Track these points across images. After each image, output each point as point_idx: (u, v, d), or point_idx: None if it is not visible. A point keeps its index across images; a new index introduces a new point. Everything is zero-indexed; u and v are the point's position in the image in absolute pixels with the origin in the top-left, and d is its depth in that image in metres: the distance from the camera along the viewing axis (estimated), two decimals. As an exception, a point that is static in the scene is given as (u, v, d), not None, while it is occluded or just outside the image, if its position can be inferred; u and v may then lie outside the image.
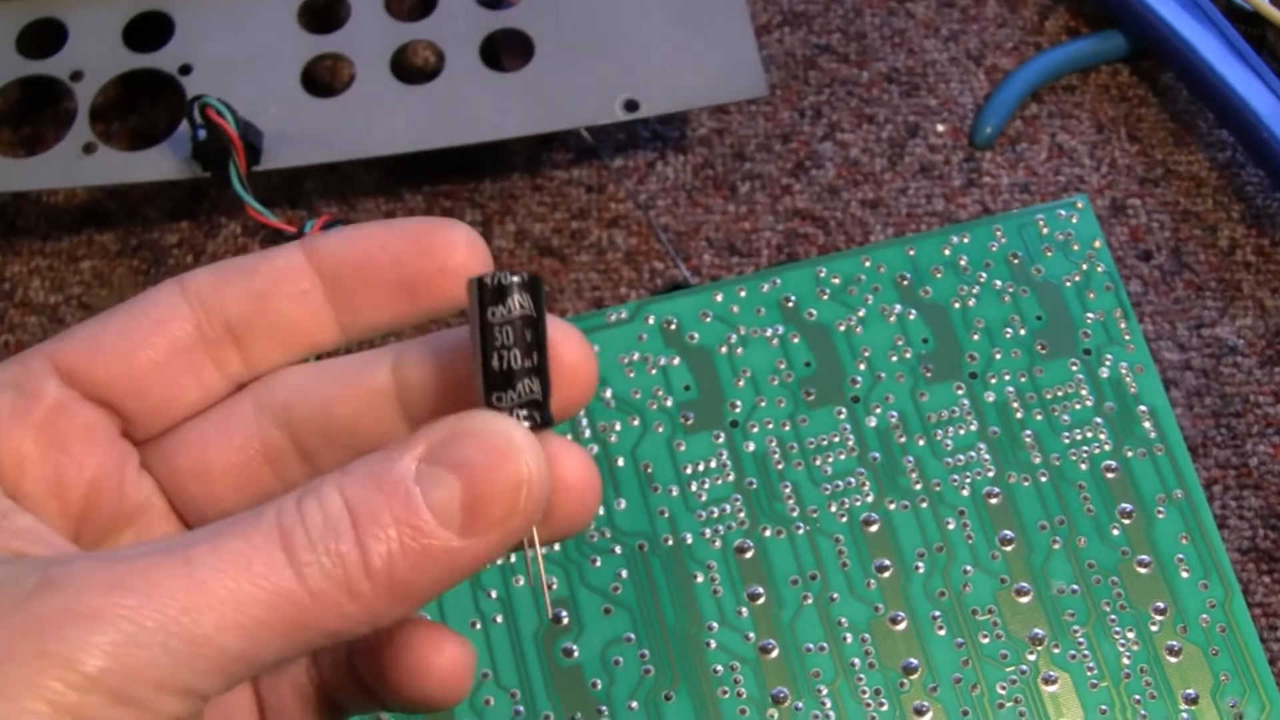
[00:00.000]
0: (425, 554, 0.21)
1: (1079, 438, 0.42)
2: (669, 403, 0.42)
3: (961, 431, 0.42)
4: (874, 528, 0.41)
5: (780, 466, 0.41)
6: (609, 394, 0.42)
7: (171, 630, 0.19)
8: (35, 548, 0.22)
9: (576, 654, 0.39)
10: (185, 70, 0.46)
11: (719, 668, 0.39)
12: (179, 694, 0.20)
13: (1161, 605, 0.40)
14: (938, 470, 0.41)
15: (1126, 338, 0.43)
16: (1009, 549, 0.40)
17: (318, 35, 0.47)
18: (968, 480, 0.41)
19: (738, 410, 0.42)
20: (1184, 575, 0.40)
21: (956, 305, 0.43)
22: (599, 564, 0.40)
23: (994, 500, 0.41)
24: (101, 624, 0.19)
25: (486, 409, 0.22)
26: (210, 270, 0.25)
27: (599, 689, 0.39)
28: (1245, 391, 0.46)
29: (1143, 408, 0.42)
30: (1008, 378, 0.43)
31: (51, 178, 0.45)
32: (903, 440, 0.42)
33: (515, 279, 0.22)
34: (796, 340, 0.43)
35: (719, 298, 0.43)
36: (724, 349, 0.43)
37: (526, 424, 0.22)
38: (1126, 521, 0.41)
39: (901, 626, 0.40)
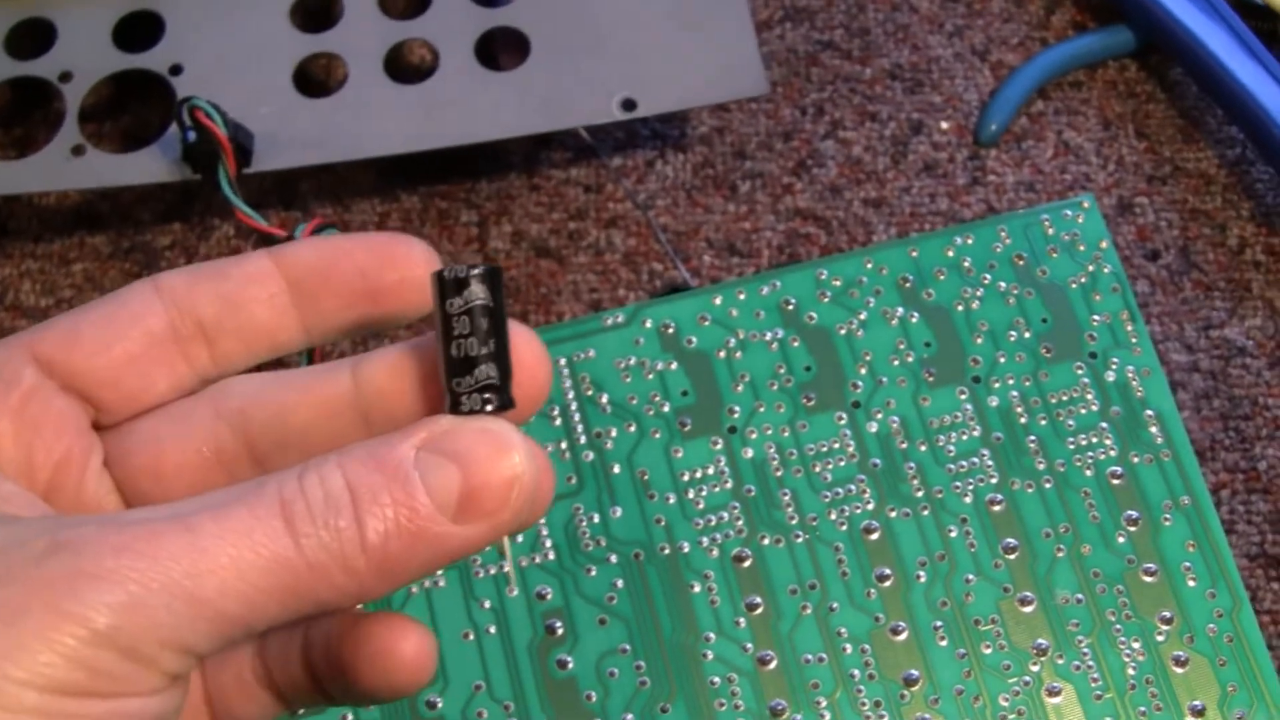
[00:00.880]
0: (419, 536, 0.22)
1: (1084, 443, 0.41)
2: (666, 408, 0.41)
3: (964, 437, 0.41)
4: (874, 536, 0.40)
5: (779, 473, 0.41)
6: (605, 399, 0.41)
7: (175, 593, 0.20)
8: (22, 511, 0.23)
9: (571, 665, 0.39)
10: (176, 70, 0.45)
11: (716, 679, 0.39)
12: (179, 652, 0.21)
13: (1168, 615, 0.39)
14: (940, 477, 0.41)
15: (1133, 340, 0.42)
16: (1012, 557, 0.40)
17: (310, 34, 0.46)
18: (970, 487, 0.40)
19: (736, 416, 0.41)
20: (1191, 584, 0.40)
21: (960, 308, 0.43)
22: (594, 573, 0.40)
23: (997, 507, 0.40)
24: (111, 585, 0.20)
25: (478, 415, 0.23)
26: (183, 272, 0.26)
27: (594, 701, 0.38)
28: (1254, 394, 0.45)
29: (1149, 412, 0.41)
30: (1012, 382, 0.42)
31: (39, 180, 0.44)
32: (904, 446, 0.41)
33: (473, 271, 0.23)
34: (796, 344, 0.42)
35: (718, 301, 0.43)
36: (722, 353, 0.42)
37: (487, 408, 0.23)
38: (1132, 529, 0.40)
39: (902, 637, 0.39)
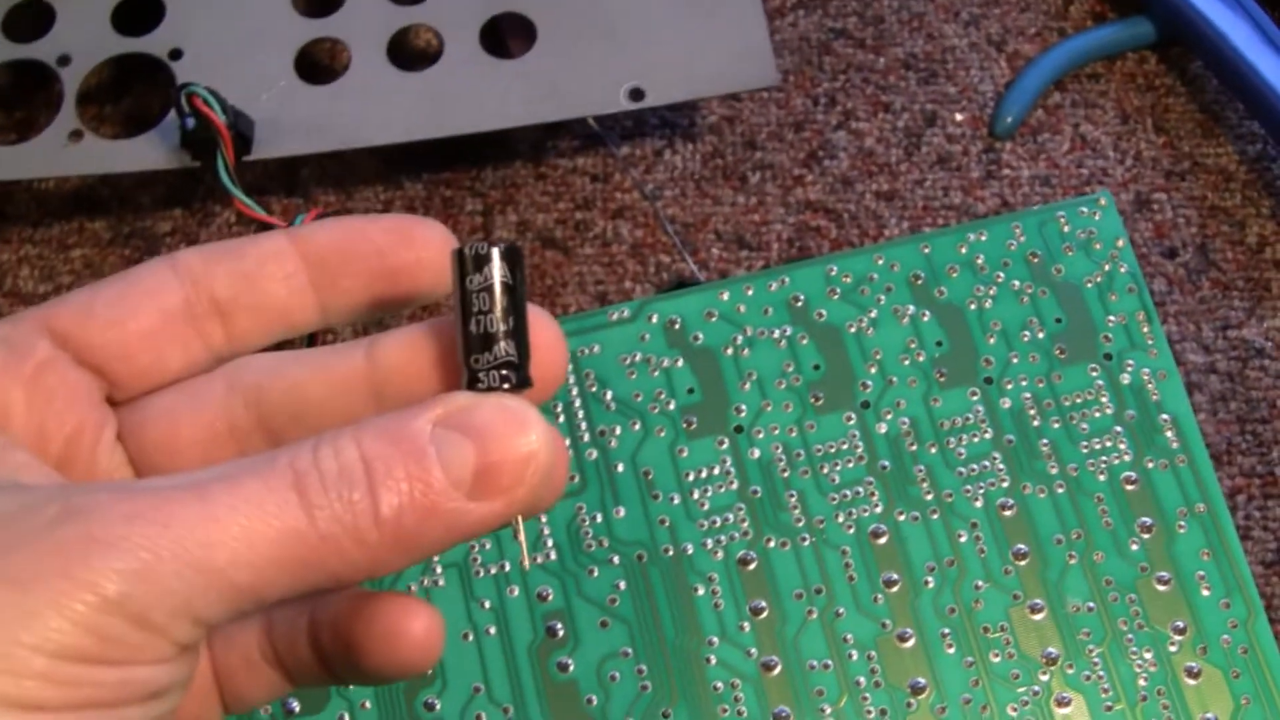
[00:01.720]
0: (433, 511, 0.22)
1: (1098, 447, 0.40)
2: (671, 406, 0.41)
3: (975, 439, 0.40)
4: (883, 540, 0.39)
5: (786, 474, 0.40)
6: (609, 396, 0.41)
7: (186, 561, 0.20)
8: (35, 480, 0.23)
9: (572, 668, 0.38)
10: (176, 55, 0.45)
11: (719, 685, 0.38)
12: (189, 621, 0.21)
13: (1181, 624, 0.38)
14: (950, 480, 0.40)
15: (1149, 342, 0.41)
16: (1023, 564, 0.39)
17: (313, 19, 0.46)
18: (981, 491, 0.40)
19: (743, 415, 0.41)
20: (1205, 593, 0.39)
21: (973, 306, 0.42)
22: (596, 575, 0.39)
23: (1008, 512, 0.39)
24: (122, 552, 0.20)
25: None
26: (200, 250, 0.26)
27: (594, 705, 0.38)
28: (1272, 396, 0.44)
29: (1165, 416, 0.40)
30: (1024, 383, 0.41)
31: (36, 166, 0.43)
32: (914, 448, 0.40)
33: (494, 249, 0.23)
34: (805, 341, 0.41)
35: (725, 296, 0.42)
36: (729, 350, 0.41)
37: (504, 385, 0.23)
38: (1146, 536, 0.39)
39: (909, 644, 0.38)
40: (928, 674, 0.38)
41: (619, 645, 0.38)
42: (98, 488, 0.21)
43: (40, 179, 0.48)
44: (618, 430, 0.40)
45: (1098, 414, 0.41)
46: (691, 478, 0.40)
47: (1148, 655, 0.38)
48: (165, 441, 0.26)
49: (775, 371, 0.41)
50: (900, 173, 0.47)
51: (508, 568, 0.39)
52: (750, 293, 0.42)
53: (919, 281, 0.42)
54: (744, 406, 0.41)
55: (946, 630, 0.38)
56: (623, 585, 0.39)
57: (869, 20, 0.50)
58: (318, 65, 0.47)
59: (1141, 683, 0.38)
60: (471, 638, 0.38)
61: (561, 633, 0.38)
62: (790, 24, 0.50)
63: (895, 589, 0.39)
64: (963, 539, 0.39)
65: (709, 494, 0.40)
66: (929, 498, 0.40)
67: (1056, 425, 0.40)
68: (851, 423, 0.41)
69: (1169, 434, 0.40)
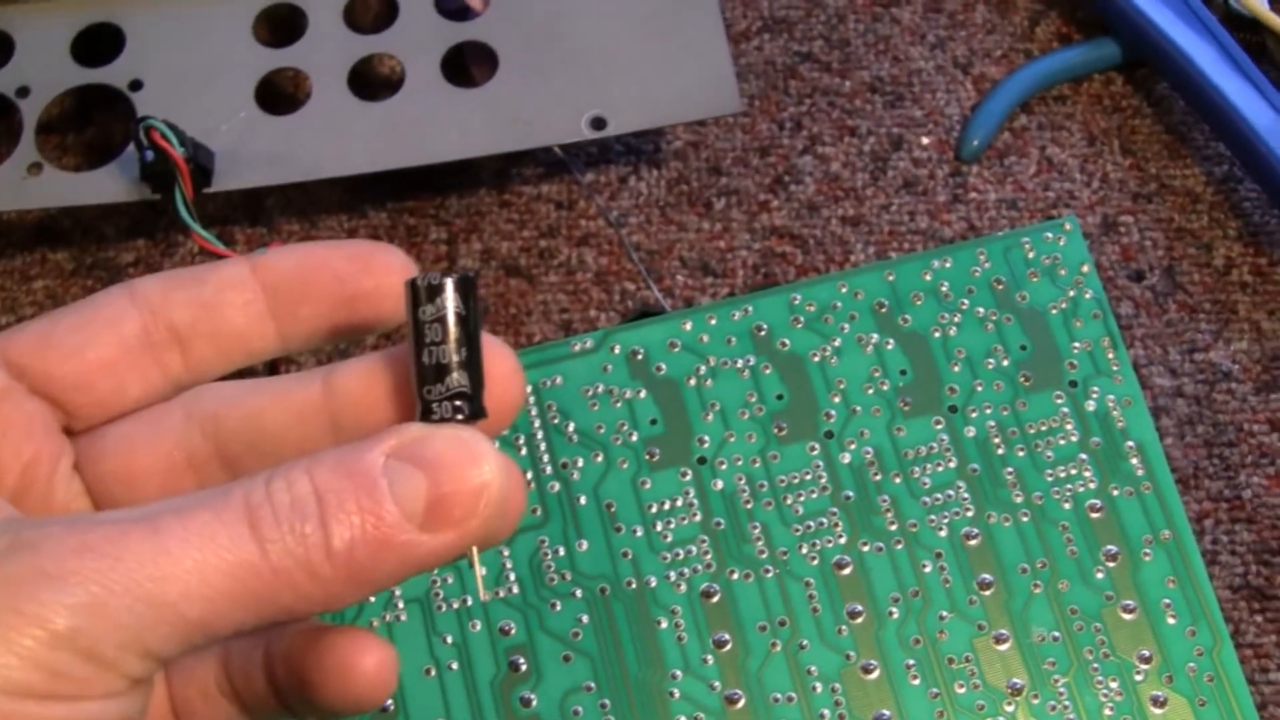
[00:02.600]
0: (385, 544, 0.22)
1: (1063, 475, 0.40)
2: (634, 438, 0.40)
3: (940, 468, 0.40)
4: (846, 571, 0.39)
5: (749, 506, 0.40)
6: (571, 428, 0.40)
7: (137, 595, 0.20)
8: None
9: (535, 703, 0.38)
10: (136, 86, 0.44)
11: (683, 719, 0.38)
12: (140, 655, 0.21)
13: (1147, 653, 0.38)
14: (914, 510, 0.40)
15: (1115, 368, 0.41)
16: (988, 593, 0.39)
17: (274, 49, 0.45)
18: (945, 520, 0.40)
19: (706, 446, 0.40)
20: (1171, 621, 0.39)
21: (937, 334, 0.42)
22: (559, 608, 0.39)
23: (973, 542, 0.39)
24: (72, 586, 0.20)
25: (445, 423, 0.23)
26: (158, 278, 0.26)
27: (557, 741, 0.38)
28: (1239, 420, 0.44)
29: (1130, 443, 0.40)
30: (989, 411, 0.41)
31: (-5, 200, 0.43)
32: (878, 478, 0.40)
33: (447, 279, 0.23)
34: (769, 371, 0.41)
35: (688, 326, 0.42)
36: (693, 380, 0.41)
37: (458, 416, 0.23)
38: (1111, 564, 0.39)
39: (874, 675, 0.38)
40: (892, 706, 0.38)
41: (582, 679, 0.38)
42: (49, 521, 0.21)
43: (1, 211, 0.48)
44: (580, 462, 0.40)
45: (1062, 441, 0.40)
46: (654, 509, 0.40)
47: (1113, 685, 0.38)
48: (122, 471, 0.26)
49: (738, 401, 0.41)
50: (866, 197, 0.47)
51: (470, 602, 0.39)
52: (714, 322, 0.42)
53: (883, 309, 0.42)
54: (707, 437, 0.40)
55: (911, 661, 0.38)
56: (585, 619, 0.39)
57: (835, 44, 0.50)
58: (279, 95, 0.47)
59: (1107, 712, 0.38)
60: (434, 673, 0.38)
61: (524, 667, 0.38)
62: (755, 48, 0.50)
63: (859, 620, 0.39)
64: (927, 569, 0.39)
65: (672, 526, 0.40)
66: (893, 528, 0.39)
67: (1021, 453, 0.40)
68: (815, 453, 0.40)
69: (1134, 461, 0.40)
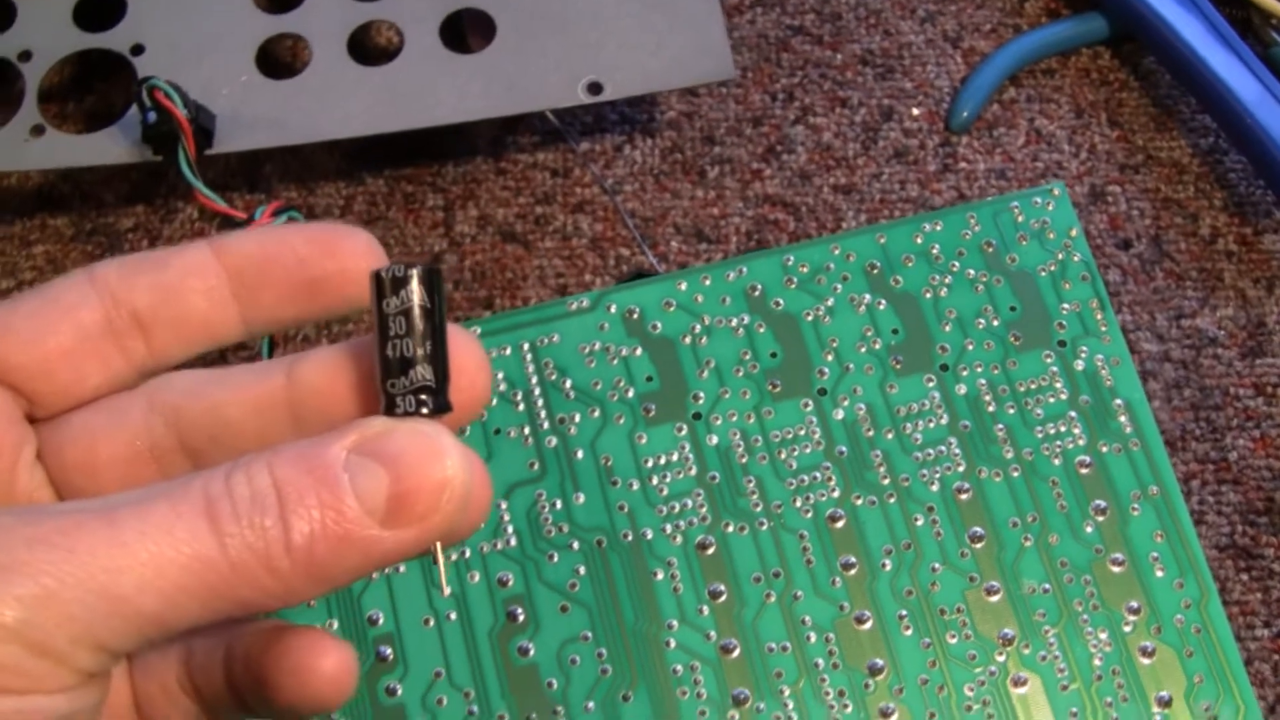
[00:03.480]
0: (345, 539, 0.21)
1: (1052, 432, 0.41)
2: (630, 394, 0.41)
3: (931, 425, 0.41)
4: (840, 524, 0.40)
5: (744, 460, 0.40)
6: (569, 385, 0.41)
7: (90, 588, 0.20)
8: None
9: (532, 653, 0.38)
10: (137, 50, 0.45)
11: (679, 668, 0.38)
12: (93, 649, 0.20)
13: (1135, 605, 0.39)
14: (906, 465, 0.40)
15: (1103, 329, 0.42)
16: (979, 546, 0.39)
17: (274, 15, 0.46)
18: (937, 475, 0.40)
19: (701, 402, 0.41)
20: (1159, 574, 0.39)
21: (928, 295, 0.42)
22: (556, 560, 0.39)
23: (964, 496, 0.40)
24: (22, 577, 0.20)
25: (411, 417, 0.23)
26: (119, 262, 0.25)
27: (555, 689, 0.38)
28: (1225, 384, 0.45)
29: (1119, 401, 0.41)
30: (980, 370, 0.41)
31: (-1, 161, 0.44)
32: (871, 434, 0.41)
33: (412, 271, 0.23)
34: (763, 330, 0.42)
35: (683, 286, 0.42)
36: (688, 339, 0.42)
37: (422, 410, 0.23)
38: (1100, 518, 0.40)
39: (867, 626, 0.39)
40: (885, 655, 0.38)
41: (579, 629, 0.38)
42: (4, 511, 0.21)
43: (2, 176, 0.48)
44: (577, 418, 0.41)
45: (1052, 399, 0.41)
46: (650, 464, 0.40)
47: (1103, 635, 0.39)
48: (84, 461, 0.26)
49: (733, 359, 0.41)
50: (858, 166, 0.48)
51: (468, 554, 0.39)
52: (708, 283, 0.42)
53: (875, 271, 0.43)
54: (702, 394, 0.41)
55: (904, 612, 0.39)
56: (582, 570, 0.39)
57: (826, 17, 0.50)
58: (279, 61, 0.48)
59: (1097, 662, 0.38)
60: (432, 623, 0.39)
61: (522, 617, 0.39)
62: (749, 21, 0.50)
63: (853, 572, 0.39)
64: (919, 523, 0.40)
65: (668, 480, 0.40)
66: (886, 482, 0.40)
67: (1011, 411, 0.41)
68: (809, 409, 0.41)
69: (1122, 419, 0.41)
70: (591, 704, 0.38)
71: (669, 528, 0.40)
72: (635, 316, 0.42)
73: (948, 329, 0.42)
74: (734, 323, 0.42)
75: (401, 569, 0.39)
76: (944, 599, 0.39)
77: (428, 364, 0.23)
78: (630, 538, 0.39)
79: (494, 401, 0.41)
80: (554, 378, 0.41)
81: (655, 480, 0.40)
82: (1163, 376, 0.45)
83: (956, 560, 0.39)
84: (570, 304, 0.42)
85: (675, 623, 0.39)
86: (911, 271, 0.43)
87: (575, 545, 0.39)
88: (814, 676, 0.38)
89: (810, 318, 0.42)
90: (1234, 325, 0.45)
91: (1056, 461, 0.40)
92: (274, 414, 0.25)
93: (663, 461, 0.40)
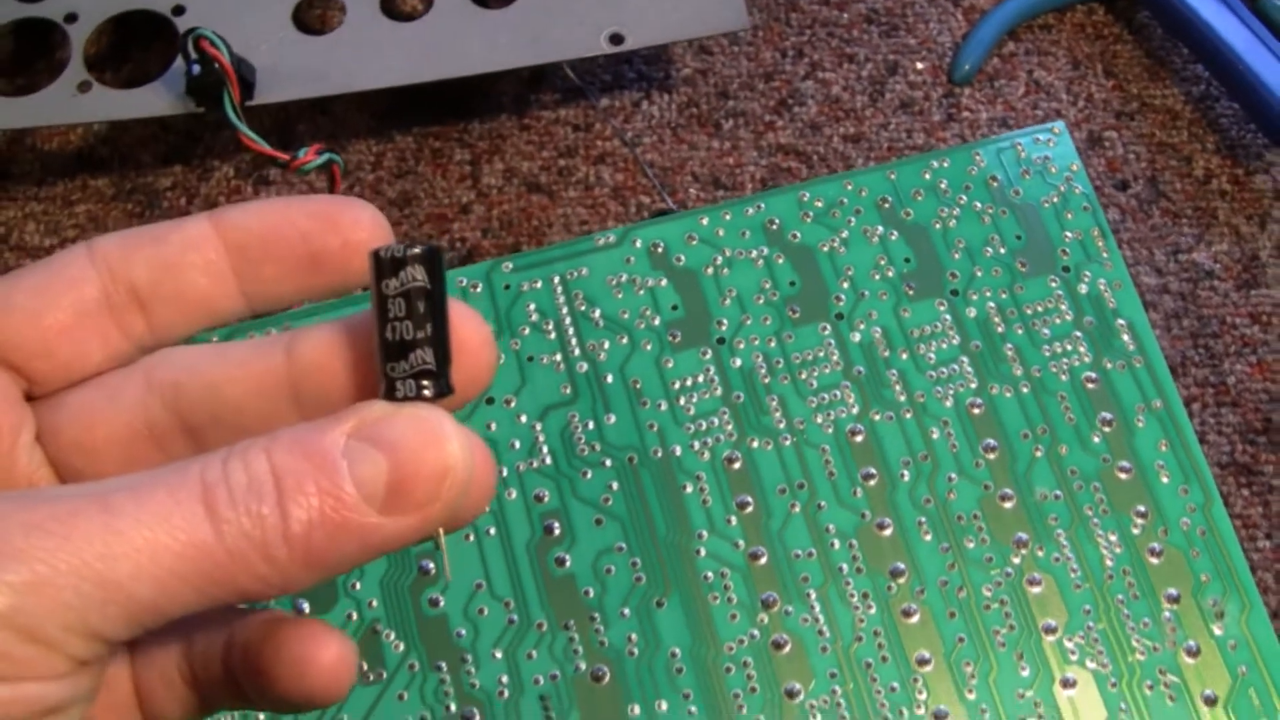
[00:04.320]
0: (344, 526, 0.21)
1: (1059, 350, 0.43)
2: (656, 322, 0.43)
3: (944, 346, 0.43)
4: (859, 438, 0.41)
5: (767, 381, 0.42)
6: (598, 314, 0.43)
7: (84, 574, 0.20)
8: None
9: (569, 564, 0.40)
10: (179, 11, 0.47)
11: (709, 575, 0.40)
12: (87, 637, 0.20)
13: (1142, 509, 0.41)
14: (921, 383, 0.42)
15: (1104, 255, 0.44)
16: (992, 457, 0.41)
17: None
18: (950, 392, 0.42)
19: (724, 328, 0.43)
20: (1164, 481, 0.41)
21: (937, 226, 0.44)
22: (590, 476, 0.41)
23: (977, 410, 0.42)
24: (16, 563, 0.19)
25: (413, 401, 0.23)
26: (119, 236, 0.25)
27: (591, 597, 0.40)
28: (1222, 313, 0.47)
29: (1121, 321, 0.43)
30: (988, 294, 0.43)
31: (47, 115, 0.45)
32: (886, 355, 0.43)
33: (412, 251, 0.22)
34: (781, 261, 0.44)
35: (705, 221, 0.44)
36: (710, 270, 0.44)
37: (423, 394, 0.23)
38: (1107, 430, 0.42)
39: (888, 532, 0.40)
40: (906, 559, 0.40)
41: (613, 541, 0.40)
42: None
43: (44, 139, 0.50)
44: (606, 345, 0.43)
45: (1058, 320, 0.43)
46: (677, 386, 0.42)
47: (1112, 538, 0.40)
48: (83, 442, 0.25)
49: (754, 288, 0.43)
50: (865, 117, 0.50)
51: (505, 473, 0.41)
52: (728, 218, 0.44)
53: (886, 205, 0.45)
54: (725, 320, 0.43)
55: (922, 519, 0.41)
56: (615, 486, 0.41)
57: (832, -21, 0.53)
58: (313, 19, 0.50)
59: (1108, 563, 0.40)
60: (473, 538, 0.40)
61: (558, 531, 0.40)
62: (758, -17, 0.53)
63: (873, 482, 0.41)
64: (935, 436, 0.42)
65: (694, 400, 0.42)
66: (902, 399, 0.42)
67: (1020, 331, 0.43)
68: (827, 333, 0.43)
69: (1125, 338, 0.43)
70: (627, 610, 0.39)
71: (697, 444, 0.41)
72: (660, 250, 0.44)
73: (957, 257, 0.44)
74: (754, 254, 0.44)
75: (442, 487, 0.41)
76: (960, 506, 0.41)
77: (428, 346, 0.23)
78: (660, 454, 0.41)
79: (526, 331, 0.43)
80: (583, 308, 0.43)
81: (683, 401, 0.42)
82: (1162, 307, 0.47)
83: (971, 470, 0.41)
84: (598, 240, 0.44)
85: (705, 533, 0.40)
86: (921, 205, 0.45)
87: (608, 462, 0.41)
88: (838, 580, 0.40)
89: (826, 249, 0.44)
90: (1229, 259, 0.47)
91: (1064, 378, 0.42)
92: (275, 393, 0.25)
93: (689, 383, 0.42)
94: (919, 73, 0.51)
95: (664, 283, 0.43)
